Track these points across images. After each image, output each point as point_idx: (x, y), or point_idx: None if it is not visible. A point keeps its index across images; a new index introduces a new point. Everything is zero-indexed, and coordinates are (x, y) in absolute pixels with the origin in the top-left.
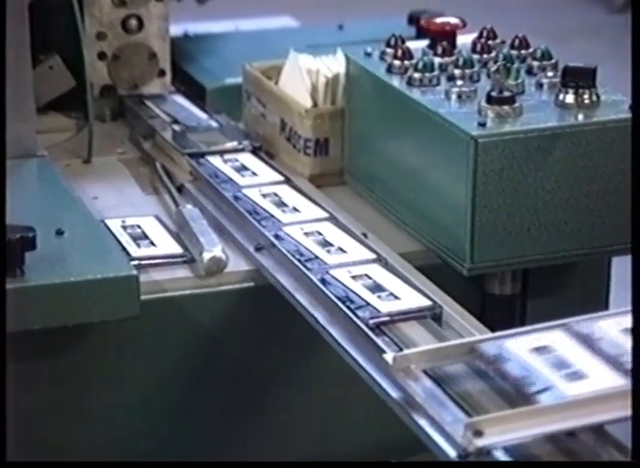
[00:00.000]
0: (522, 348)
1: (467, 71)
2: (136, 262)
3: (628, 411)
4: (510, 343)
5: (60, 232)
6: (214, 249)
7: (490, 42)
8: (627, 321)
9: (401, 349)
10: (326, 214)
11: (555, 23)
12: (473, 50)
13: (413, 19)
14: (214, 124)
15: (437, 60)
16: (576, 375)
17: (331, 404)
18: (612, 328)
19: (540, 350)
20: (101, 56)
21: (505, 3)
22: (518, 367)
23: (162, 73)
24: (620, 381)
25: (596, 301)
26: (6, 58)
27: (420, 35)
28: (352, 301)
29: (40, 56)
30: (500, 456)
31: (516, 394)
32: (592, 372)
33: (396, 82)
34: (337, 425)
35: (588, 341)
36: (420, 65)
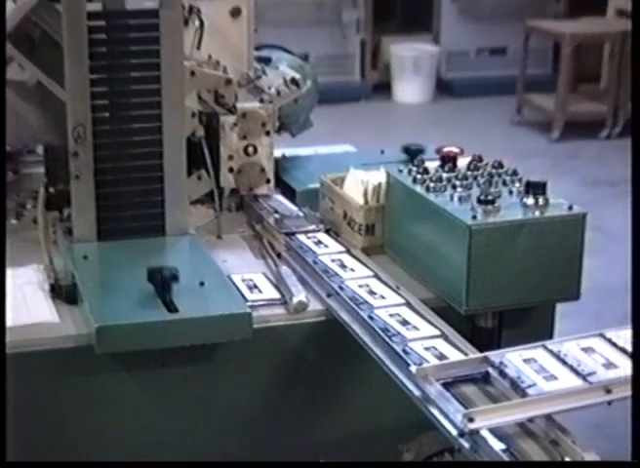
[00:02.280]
0: (516, 358)
1: (464, 182)
2: (250, 303)
3: (581, 403)
4: (509, 355)
5: (202, 283)
6: (300, 295)
7: (478, 164)
8: (585, 342)
9: (421, 363)
10: (372, 273)
11: (517, 146)
12: (468, 168)
13: (405, 150)
14: (300, 214)
15: (445, 175)
16: (551, 377)
17: (371, 399)
18: (573, 347)
19: (528, 360)
20: (231, 170)
21: (485, 132)
22: (514, 369)
23: (268, 181)
24: (579, 382)
25: (546, 332)
26: (166, 172)
27: (413, 161)
28: (389, 331)
29: (192, 169)
30: (486, 434)
31: (512, 388)
32: (561, 377)
33: (418, 189)
34: (376, 411)
35: (558, 356)
36: (434, 178)
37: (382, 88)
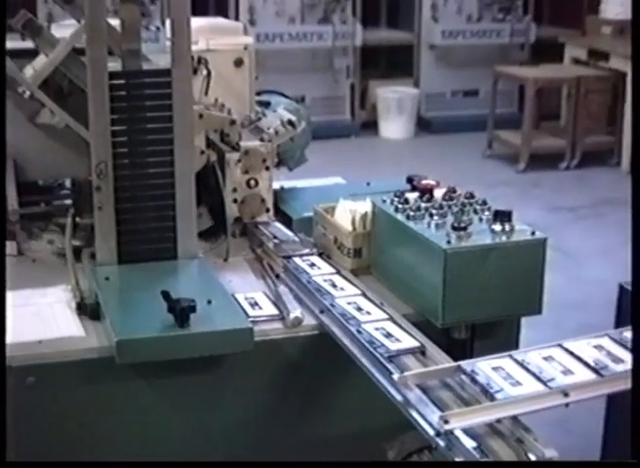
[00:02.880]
0: (486, 367)
1: (440, 211)
2: (251, 319)
3: (543, 405)
4: (479, 364)
5: (209, 301)
6: (296, 311)
7: (452, 194)
8: (546, 352)
9: (402, 372)
10: (359, 292)
11: (488, 177)
12: (443, 198)
13: (408, 180)
14: (296, 239)
15: (423, 205)
16: (516, 383)
17: (359, 404)
18: (536, 356)
19: (496, 368)
20: (235, 200)
21: (460, 163)
22: (484, 377)
23: (268, 210)
24: (540, 387)
25: (511, 343)
26: (178, 202)
27: (413, 189)
28: (374, 343)
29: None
30: (459, 434)
31: (482, 393)
32: (525, 382)
33: (400, 217)
34: (363, 414)
35: (522, 364)
36: (414, 208)
37: (370, 125)
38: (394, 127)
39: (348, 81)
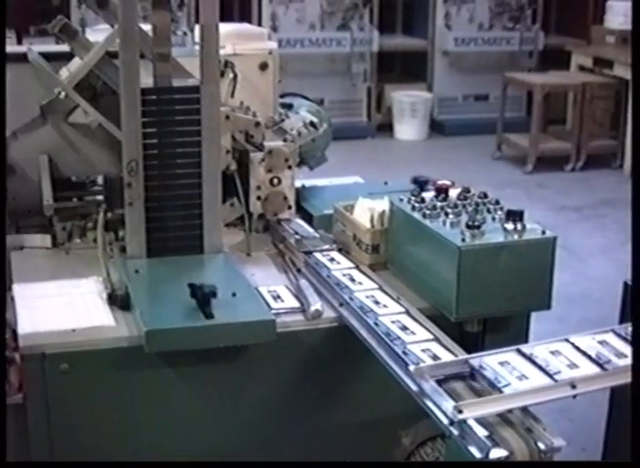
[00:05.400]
0: (493, 361)
1: (455, 210)
2: (274, 311)
3: (551, 397)
4: (486, 359)
5: (234, 294)
6: (316, 304)
7: (466, 194)
8: (553, 346)
9: (418, 363)
10: (377, 286)
11: (496, 177)
12: (458, 198)
13: (414, 181)
14: (317, 235)
15: (438, 204)
16: (523, 377)
17: (375, 393)
18: (543, 351)
19: (503, 363)
20: (258, 198)
21: (470, 164)
22: (491, 372)
23: (290, 207)
24: (547, 380)
25: (521, 336)
26: (205, 199)
27: (421, 189)
28: (391, 335)
29: (226, 197)
30: (472, 423)
31: (489, 387)
32: (532, 376)
33: (416, 215)
34: (379, 403)
35: (530, 358)
36: (430, 206)
37: (385, 127)
38: (408, 129)
39: (365, 85)
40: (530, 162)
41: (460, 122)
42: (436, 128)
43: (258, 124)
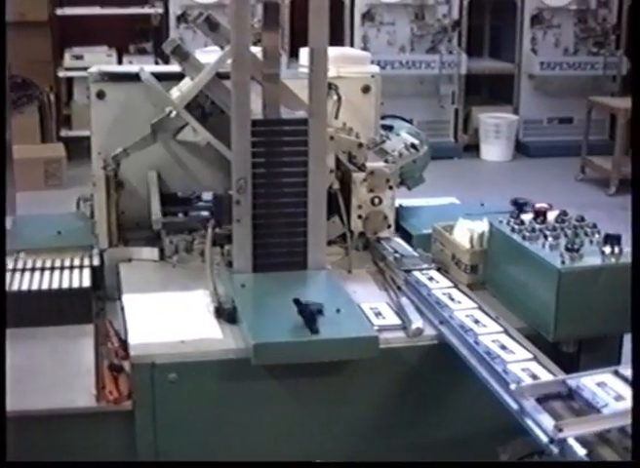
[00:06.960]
0: (590, 382)
1: (554, 233)
2: (376, 327)
3: None
4: (583, 379)
5: (338, 310)
6: (417, 322)
7: (564, 217)
8: None
9: (518, 382)
10: (476, 305)
11: (580, 199)
12: (556, 221)
13: (514, 202)
14: (416, 254)
15: (537, 226)
16: (620, 398)
17: (472, 410)
18: None
19: (600, 384)
20: (359, 217)
21: (554, 186)
22: (589, 392)
23: (389, 226)
24: None
25: (615, 356)
26: (310, 218)
27: (521, 211)
28: (491, 354)
29: (328, 215)
30: (572, 442)
31: (587, 408)
32: (628, 397)
33: (516, 237)
34: (476, 420)
35: (625, 379)
36: (529, 229)
37: (472, 148)
38: (494, 150)
39: (453, 106)
40: (613, 184)
41: (544, 144)
42: (521, 149)
43: (360, 145)
